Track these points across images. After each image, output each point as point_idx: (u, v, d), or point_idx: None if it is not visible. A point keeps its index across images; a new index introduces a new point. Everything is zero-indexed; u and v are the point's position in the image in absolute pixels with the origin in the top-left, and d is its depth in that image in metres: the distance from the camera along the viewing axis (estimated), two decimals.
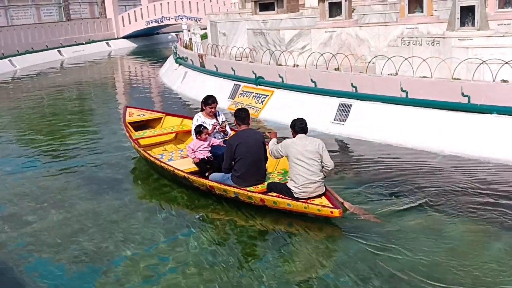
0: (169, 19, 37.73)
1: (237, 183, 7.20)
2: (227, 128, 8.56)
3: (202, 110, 8.49)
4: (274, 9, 17.77)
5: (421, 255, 5.67)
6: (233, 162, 7.30)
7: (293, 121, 7.01)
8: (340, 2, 14.06)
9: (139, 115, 10.66)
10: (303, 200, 6.61)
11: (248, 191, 6.99)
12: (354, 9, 16.25)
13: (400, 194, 7.34)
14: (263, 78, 13.43)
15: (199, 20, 33.27)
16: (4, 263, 6.08)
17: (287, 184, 6.86)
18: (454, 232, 6.20)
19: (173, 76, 19.37)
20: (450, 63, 10.05)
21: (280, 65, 13.39)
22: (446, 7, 15.58)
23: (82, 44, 35.65)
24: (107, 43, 37.87)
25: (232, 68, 14.75)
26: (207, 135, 8.04)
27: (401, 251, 5.76)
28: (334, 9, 14.18)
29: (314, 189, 6.68)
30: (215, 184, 7.34)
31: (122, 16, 39.66)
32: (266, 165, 7.63)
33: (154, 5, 38.54)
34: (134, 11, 39.57)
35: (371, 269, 5.46)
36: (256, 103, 12.98)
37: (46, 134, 12.71)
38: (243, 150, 7.14)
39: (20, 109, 16.86)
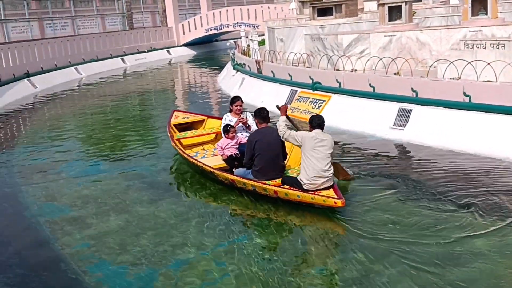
0: (227, 26, 38.19)
1: (256, 177, 7.80)
2: (250, 122, 9.09)
3: (230, 110, 9.35)
4: (332, 14, 17.67)
5: (479, 269, 5.48)
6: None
7: (312, 116, 7.66)
8: (400, 6, 13.79)
9: (183, 118, 11.55)
10: (312, 192, 7.11)
11: (263, 183, 7.56)
12: (415, 12, 15.90)
13: (462, 203, 7.11)
14: (320, 83, 13.35)
15: (257, 27, 33.49)
16: (68, 263, 6.31)
17: (297, 177, 7.38)
18: None
19: (230, 82, 19.59)
20: None
21: (337, 70, 13.27)
22: (511, 9, 15.02)
23: (144, 52, 36.61)
24: (168, 51, 38.72)
25: (289, 73, 14.75)
26: (234, 134, 8.84)
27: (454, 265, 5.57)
28: (394, 13, 13.92)
29: (322, 182, 7.17)
30: (235, 177, 8.02)
31: (183, 24, 40.46)
32: (288, 160, 8.32)
33: (213, 13, 39.13)
34: (194, 19, 40.30)
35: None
36: (313, 108, 12.91)
37: (109, 139, 13.14)
38: (261, 146, 7.76)
39: (85, 115, 17.50)
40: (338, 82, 12.74)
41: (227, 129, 8.89)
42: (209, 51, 40.13)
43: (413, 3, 15.01)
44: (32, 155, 11.80)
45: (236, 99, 9.36)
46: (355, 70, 13.01)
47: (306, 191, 7.17)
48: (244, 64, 19.14)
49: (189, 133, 10.74)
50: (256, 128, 8.52)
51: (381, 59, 12.30)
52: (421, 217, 6.77)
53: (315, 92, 13.34)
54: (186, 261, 6.11)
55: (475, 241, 6.04)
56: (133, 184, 9.10)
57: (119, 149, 11.97)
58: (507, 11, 14.68)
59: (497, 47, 10.34)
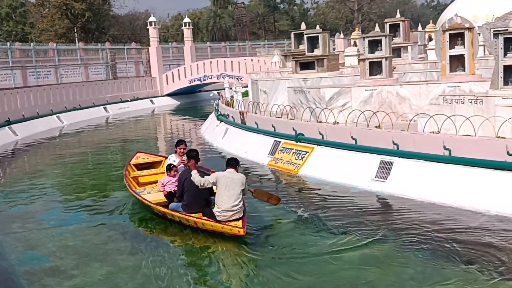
0: (211, 78, 38.69)
1: (185, 210, 8.82)
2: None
3: (175, 152, 10.34)
4: (314, 68, 18.05)
5: None
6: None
7: (227, 159, 8.87)
8: (381, 61, 14.18)
9: (143, 158, 12.64)
10: (223, 222, 8.18)
11: (186, 215, 8.66)
12: (395, 67, 16.34)
13: (442, 254, 7.17)
14: (303, 135, 13.50)
15: (240, 79, 33.97)
16: None
17: (213, 209, 8.41)
18: None
19: (214, 133, 19.68)
20: (494, 121, 9.91)
21: (320, 122, 13.46)
22: (488, 66, 15.52)
23: (127, 101, 36.77)
24: (151, 101, 38.95)
25: (272, 125, 14.91)
26: (176, 172, 9.66)
27: None
28: (375, 68, 14.29)
29: (232, 214, 8.25)
30: (166, 210, 9.08)
31: (166, 75, 40.90)
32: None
33: (197, 64, 39.68)
34: (178, 70, 40.79)
35: None
36: (296, 159, 13.00)
37: (90, 188, 12.99)
38: (189, 183, 8.69)
39: (65, 163, 17.33)
40: (320, 134, 12.90)
41: (170, 168, 9.85)
42: (193, 102, 40.44)
43: (392, 59, 15.44)
44: (11, 204, 11.61)
45: (180, 142, 10.42)
46: (337, 122, 13.21)
47: (219, 221, 8.23)
48: (228, 114, 19.30)
49: (144, 172, 11.72)
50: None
51: (362, 112, 12.53)
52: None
53: (298, 143, 13.47)
54: None
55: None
56: (114, 234, 8.98)
57: (99, 198, 11.81)
58: (483, 68, 15.15)
59: (475, 102, 10.63)
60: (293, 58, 19.25)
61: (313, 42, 18.66)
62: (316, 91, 14.40)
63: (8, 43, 32.89)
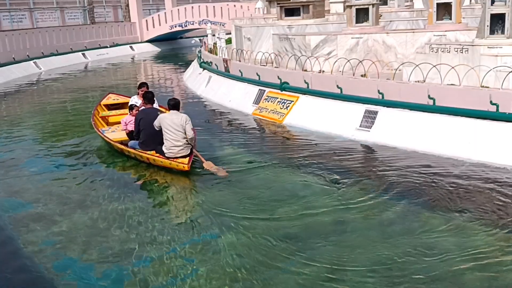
0: (193, 24, 37.93)
1: (141, 147, 9.53)
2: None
3: (137, 94, 10.94)
4: (299, 15, 17.75)
5: (448, 261, 5.61)
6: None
7: (168, 100, 9.37)
8: (368, 8, 13.97)
9: (114, 99, 13.08)
10: (171, 159, 8.94)
11: (141, 152, 9.38)
12: (381, 15, 16.14)
13: (424, 201, 7.31)
14: (288, 83, 13.39)
15: (223, 25, 33.36)
16: (33, 261, 6.15)
17: (163, 147, 9.14)
18: (480, 240, 6.14)
19: (197, 81, 19.44)
20: (478, 71, 9.92)
21: (305, 70, 13.35)
22: (474, 15, 15.44)
23: (106, 47, 36.02)
24: (131, 47, 38.19)
25: (257, 73, 14.74)
26: (137, 111, 10.05)
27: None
28: (361, 15, 14.08)
29: (178, 151, 9.01)
30: (123, 147, 9.83)
31: (146, 20, 39.97)
32: None
33: (178, 9, 38.78)
34: (158, 15, 39.86)
35: None
36: (281, 108, 12.95)
37: (71, 135, 12.82)
38: (144, 123, 9.41)
39: (44, 110, 17.06)
40: (306, 82, 12.81)
41: (132, 108, 10.43)
42: (174, 48, 39.75)
43: (379, 6, 15.23)
44: None
45: (143, 85, 10.97)
46: (323, 71, 13.10)
47: (168, 158, 8.97)
48: (211, 62, 19.01)
49: (113, 112, 12.17)
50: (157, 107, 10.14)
51: (348, 61, 12.43)
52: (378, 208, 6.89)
53: (283, 92, 13.38)
54: (153, 258, 6.04)
55: (443, 240, 6.18)
56: (98, 180, 8.95)
57: (82, 146, 11.63)
58: (469, 17, 15.06)
59: (461, 51, 10.60)
60: (278, 4, 18.88)
61: None
62: (301, 38, 14.20)
63: None
